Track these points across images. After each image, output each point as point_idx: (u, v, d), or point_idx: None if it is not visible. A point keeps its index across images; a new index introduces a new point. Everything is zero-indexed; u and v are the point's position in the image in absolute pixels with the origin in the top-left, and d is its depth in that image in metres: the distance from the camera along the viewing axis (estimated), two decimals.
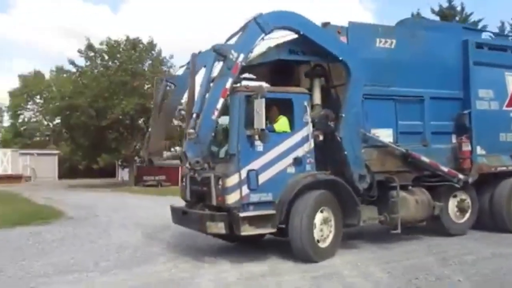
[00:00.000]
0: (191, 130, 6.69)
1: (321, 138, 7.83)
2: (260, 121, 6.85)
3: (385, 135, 8.40)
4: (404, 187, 8.49)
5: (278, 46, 7.77)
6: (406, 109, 8.64)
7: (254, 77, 9.03)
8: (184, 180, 8.40)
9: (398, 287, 5.98)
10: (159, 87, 8.87)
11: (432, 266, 6.92)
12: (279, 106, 7.72)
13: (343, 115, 7.80)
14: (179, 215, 8.18)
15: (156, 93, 8.92)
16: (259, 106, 6.85)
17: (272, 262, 7.35)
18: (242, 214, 7.02)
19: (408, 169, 8.59)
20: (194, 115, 6.82)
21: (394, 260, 7.38)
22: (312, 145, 7.68)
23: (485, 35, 10.10)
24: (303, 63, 8.37)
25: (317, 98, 8.17)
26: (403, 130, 8.59)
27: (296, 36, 7.67)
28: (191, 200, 8.14)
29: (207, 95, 6.97)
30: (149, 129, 8.84)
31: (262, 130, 6.91)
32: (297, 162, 7.49)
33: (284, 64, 8.23)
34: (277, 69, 8.47)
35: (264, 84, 8.34)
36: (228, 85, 6.95)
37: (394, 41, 8.50)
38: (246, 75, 8.76)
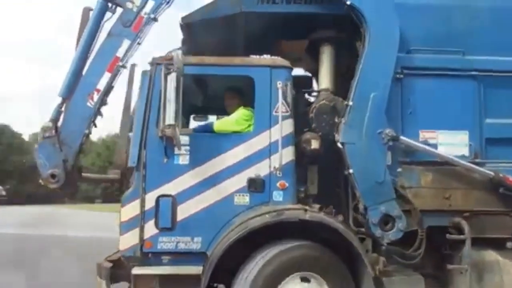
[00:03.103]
0: (48, 124, 4.12)
1: (314, 145, 4.40)
2: (168, 112, 3.91)
3: (451, 142, 4.52)
4: (497, 243, 4.48)
5: None
6: (501, 95, 4.59)
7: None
8: None
9: None
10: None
11: None
12: (241, 93, 4.67)
13: (350, 103, 4.30)
14: None
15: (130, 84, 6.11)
16: (169, 87, 3.92)
17: None
18: (136, 271, 4.09)
19: (504, 209, 4.51)
20: (60, 101, 4.23)
21: None
22: (290, 157, 4.32)
23: None
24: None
25: (325, 78, 4.73)
26: (492, 135, 4.54)
27: None
28: None
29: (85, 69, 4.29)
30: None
31: (172, 127, 3.94)
32: (256, 185, 4.23)
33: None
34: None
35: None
36: (120, 51, 4.20)
37: None
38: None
